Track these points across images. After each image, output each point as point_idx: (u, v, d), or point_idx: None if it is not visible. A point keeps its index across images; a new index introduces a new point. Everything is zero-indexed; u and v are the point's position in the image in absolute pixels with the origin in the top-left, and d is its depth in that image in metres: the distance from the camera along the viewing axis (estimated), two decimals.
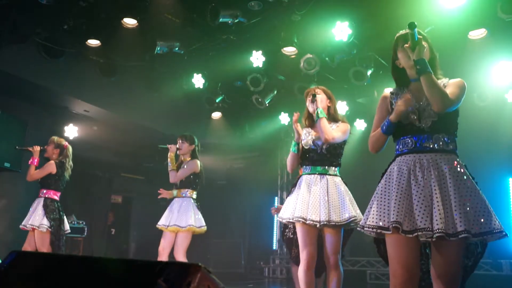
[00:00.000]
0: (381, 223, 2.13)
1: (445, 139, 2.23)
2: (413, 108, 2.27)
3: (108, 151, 9.15)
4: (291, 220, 3.24)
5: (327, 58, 6.47)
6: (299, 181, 3.35)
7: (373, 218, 2.18)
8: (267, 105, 7.60)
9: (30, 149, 4.94)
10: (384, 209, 2.16)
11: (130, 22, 6.03)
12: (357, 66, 6.46)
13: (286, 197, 3.51)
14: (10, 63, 6.12)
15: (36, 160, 4.92)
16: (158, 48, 6.14)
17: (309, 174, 3.31)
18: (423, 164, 2.18)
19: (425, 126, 2.23)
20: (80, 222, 7.97)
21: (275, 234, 10.32)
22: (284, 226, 3.71)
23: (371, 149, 2.42)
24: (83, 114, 7.92)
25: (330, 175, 3.29)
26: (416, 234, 2.07)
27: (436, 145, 2.22)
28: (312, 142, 3.36)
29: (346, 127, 3.35)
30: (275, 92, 7.57)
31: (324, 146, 3.34)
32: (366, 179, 3.39)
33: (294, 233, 3.44)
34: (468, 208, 2.06)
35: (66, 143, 5.11)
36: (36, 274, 1.17)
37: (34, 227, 4.65)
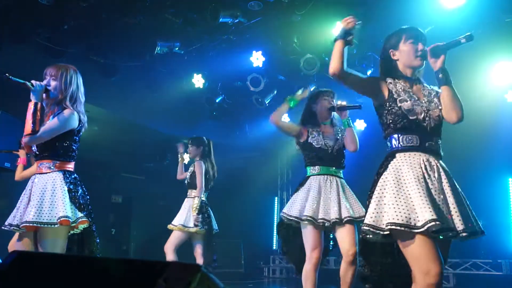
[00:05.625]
0: (412, 222, 1.97)
1: (439, 143, 2.25)
2: (423, 106, 2.24)
3: (108, 151, 9.14)
4: (296, 219, 3.22)
5: (327, 58, 6.46)
6: (308, 181, 3.34)
7: (395, 215, 1.99)
8: (267, 105, 7.60)
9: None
10: (406, 206, 2.00)
11: (130, 22, 6.02)
12: (357, 66, 6.46)
13: (290, 196, 3.52)
14: (10, 63, 6.11)
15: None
16: (158, 48, 6.14)
17: (319, 174, 3.32)
18: (431, 165, 2.14)
19: (429, 127, 2.21)
20: None
21: (275, 234, 10.31)
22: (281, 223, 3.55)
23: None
24: None
25: (339, 177, 3.37)
26: (441, 234, 2.01)
27: (436, 148, 2.22)
28: (324, 143, 3.39)
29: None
30: (275, 92, 7.57)
31: (336, 147, 3.39)
32: (365, 179, 3.40)
33: (288, 230, 3.44)
34: (468, 211, 2.11)
35: None
36: (37, 274, 1.18)
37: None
